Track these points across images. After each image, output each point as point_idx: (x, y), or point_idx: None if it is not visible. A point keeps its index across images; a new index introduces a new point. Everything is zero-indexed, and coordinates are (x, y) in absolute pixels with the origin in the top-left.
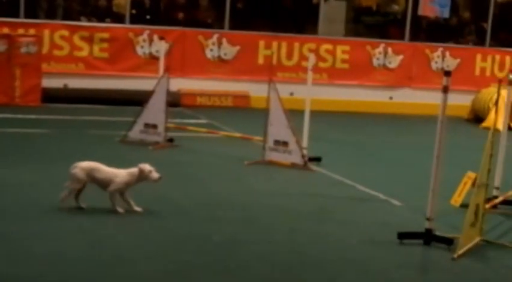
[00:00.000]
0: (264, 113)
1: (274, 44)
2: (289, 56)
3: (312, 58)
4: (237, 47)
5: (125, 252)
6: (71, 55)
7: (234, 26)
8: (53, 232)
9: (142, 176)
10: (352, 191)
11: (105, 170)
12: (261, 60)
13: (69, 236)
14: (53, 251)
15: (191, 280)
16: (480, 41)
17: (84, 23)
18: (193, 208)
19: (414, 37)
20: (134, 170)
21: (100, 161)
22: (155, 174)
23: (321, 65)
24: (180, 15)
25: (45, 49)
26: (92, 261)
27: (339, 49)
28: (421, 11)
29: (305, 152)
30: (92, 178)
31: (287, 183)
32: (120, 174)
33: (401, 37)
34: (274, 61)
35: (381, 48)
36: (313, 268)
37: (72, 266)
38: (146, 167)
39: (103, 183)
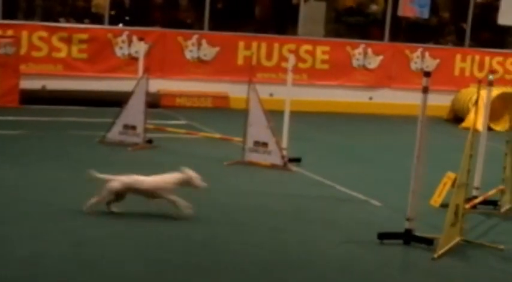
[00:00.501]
0: (244, 113)
1: (254, 45)
2: (269, 56)
3: (292, 59)
4: (217, 48)
5: (108, 253)
6: (49, 56)
7: (213, 27)
8: (35, 233)
9: (185, 182)
10: (332, 192)
11: (146, 181)
12: (240, 61)
13: (51, 237)
14: (35, 252)
15: (173, 280)
16: (460, 42)
17: (62, 24)
18: (174, 208)
19: (394, 37)
20: (177, 175)
21: (79, 162)
22: (199, 182)
23: (301, 65)
24: (160, 16)
25: (23, 50)
26: (75, 261)
27: (319, 50)
28: (400, 12)
29: (285, 152)
30: (134, 190)
31: (267, 183)
32: (163, 180)
33: (381, 37)
34: (254, 62)
35: (360, 49)
36: (294, 268)
37: (54, 266)
38: (191, 173)
39: (148, 194)
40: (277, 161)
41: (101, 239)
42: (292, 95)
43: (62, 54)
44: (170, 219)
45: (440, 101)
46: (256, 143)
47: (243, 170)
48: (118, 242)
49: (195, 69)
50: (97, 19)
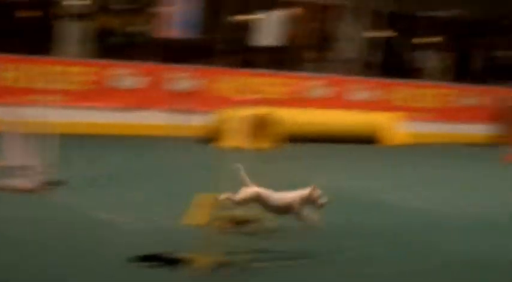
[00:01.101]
0: (1, 136)
1: (11, 66)
2: (28, 78)
3: (51, 80)
4: None
5: None
6: None
7: None
8: None
9: (310, 199)
10: (90, 215)
11: (274, 198)
12: None
13: None
14: None
15: None
16: (221, 62)
17: None
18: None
19: (156, 58)
20: (304, 192)
21: None
22: (323, 199)
23: (60, 86)
24: None
25: None
26: None
27: (77, 70)
28: (162, 33)
29: (45, 176)
30: (262, 204)
31: (23, 208)
32: (289, 197)
33: (143, 58)
34: (13, 83)
35: (120, 70)
36: None
37: None
38: (317, 190)
39: (276, 210)
40: (36, 185)
41: None
42: (52, 117)
43: None
44: None
45: (198, 122)
46: (14, 167)
47: (0, 195)
48: None
49: None
50: None
